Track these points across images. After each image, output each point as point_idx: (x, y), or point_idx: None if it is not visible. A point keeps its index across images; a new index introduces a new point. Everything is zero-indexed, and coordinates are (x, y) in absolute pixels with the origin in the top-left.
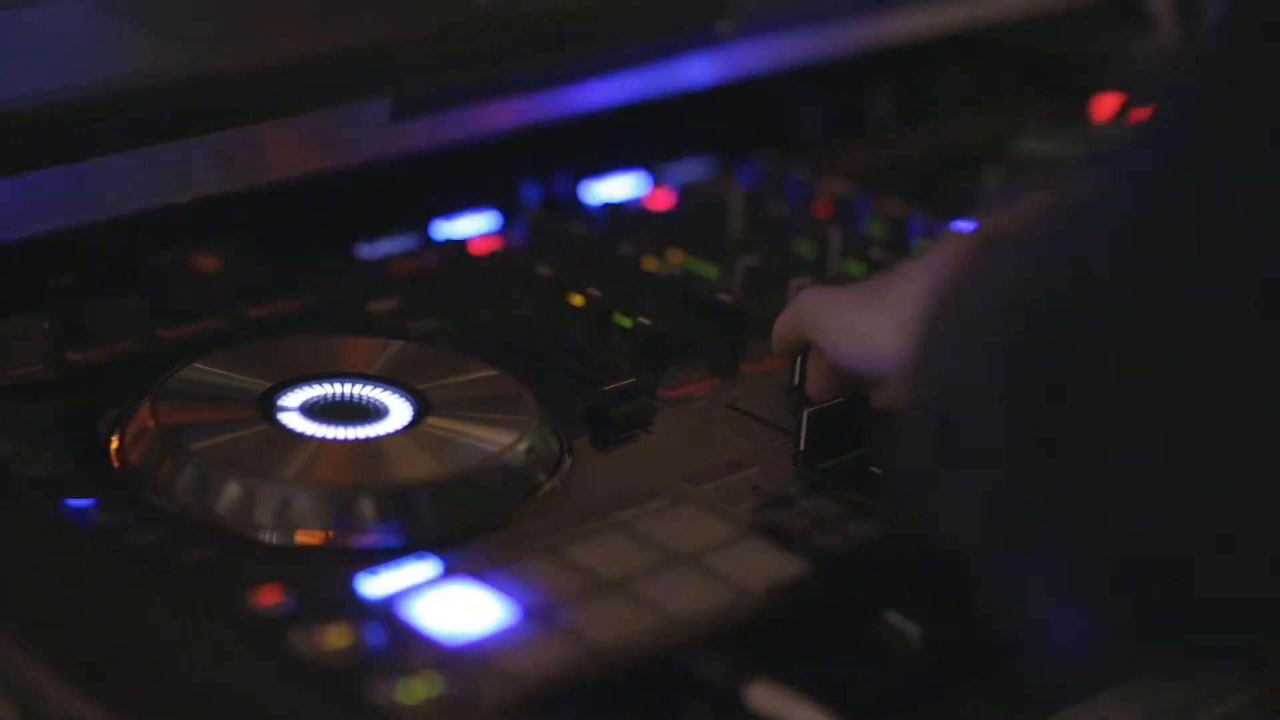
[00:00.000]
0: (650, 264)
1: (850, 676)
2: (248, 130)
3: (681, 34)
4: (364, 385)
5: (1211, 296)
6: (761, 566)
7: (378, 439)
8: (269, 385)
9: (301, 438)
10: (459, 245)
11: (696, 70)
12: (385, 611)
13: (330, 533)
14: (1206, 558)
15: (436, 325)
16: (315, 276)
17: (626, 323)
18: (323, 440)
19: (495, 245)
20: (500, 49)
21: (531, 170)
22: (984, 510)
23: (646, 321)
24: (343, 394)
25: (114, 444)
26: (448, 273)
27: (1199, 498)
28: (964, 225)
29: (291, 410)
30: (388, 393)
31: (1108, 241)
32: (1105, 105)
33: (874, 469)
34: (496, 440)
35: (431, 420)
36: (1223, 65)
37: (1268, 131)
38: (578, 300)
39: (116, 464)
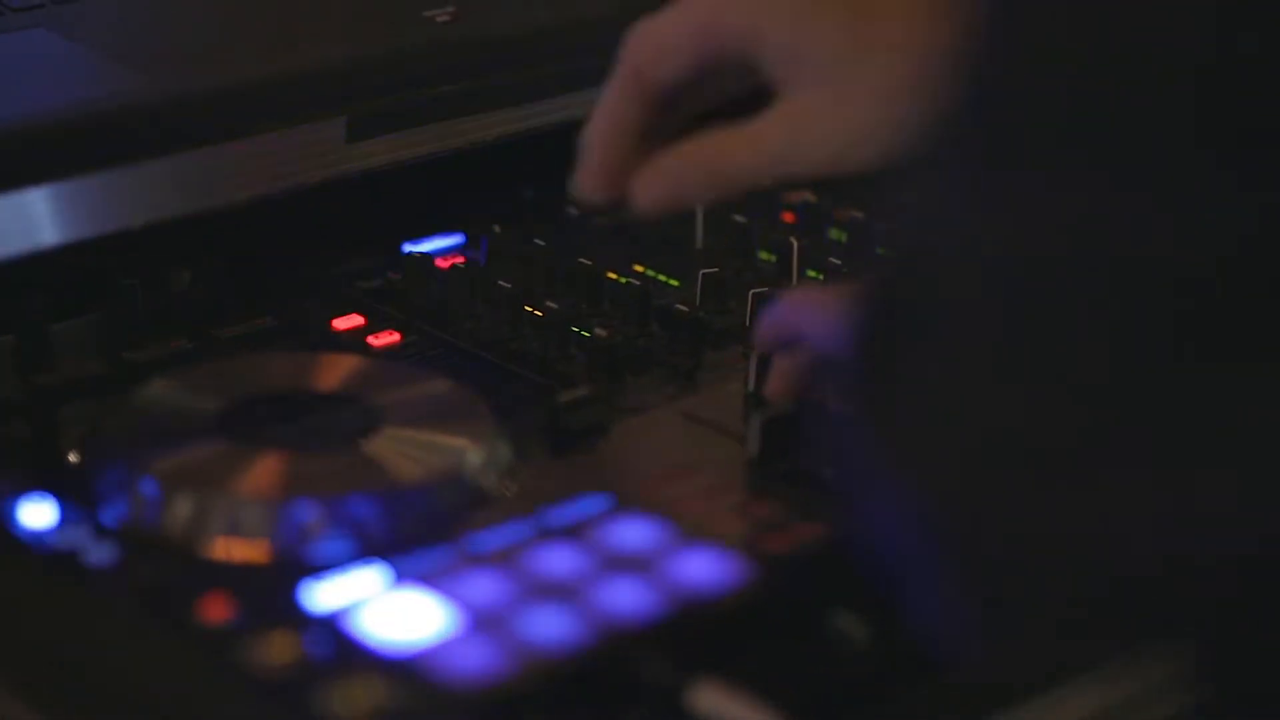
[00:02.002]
0: (611, 275)
1: (798, 678)
2: (211, 151)
3: None
4: (321, 400)
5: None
6: (710, 570)
7: (333, 453)
8: (227, 403)
9: (257, 454)
10: (423, 261)
11: None
12: (333, 622)
13: (282, 546)
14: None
15: (398, 340)
16: (280, 296)
17: (585, 334)
18: (277, 456)
19: (459, 260)
20: (460, 67)
21: (496, 186)
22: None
23: (603, 332)
24: (299, 410)
25: (74, 463)
26: (412, 288)
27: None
28: None
29: (248, 427)
30: (344, 407)
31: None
32: None
33: (824, 473)
34: (449, 451)
35: (386, 432)
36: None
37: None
38: (537, 312)
39: (76, 482)
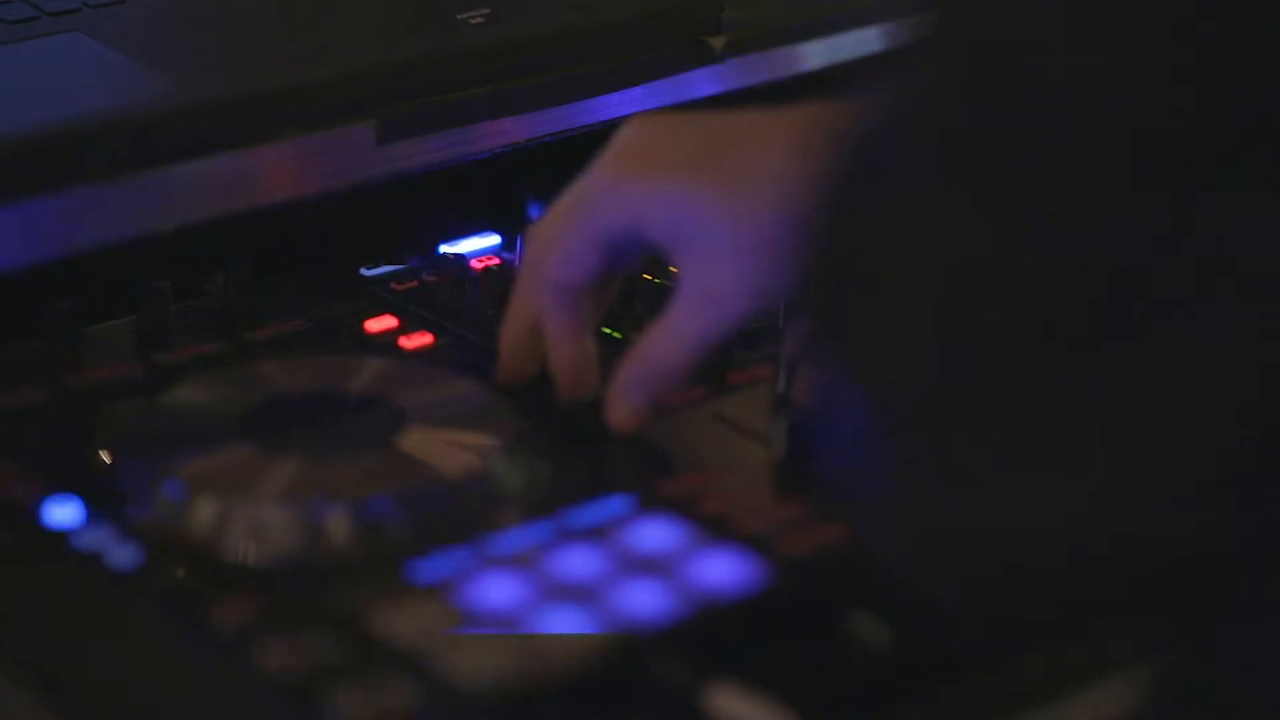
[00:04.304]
0: (645, 276)
1: (816, 680)
2: (244, 154)
3: (673, 50)
4: (349, 403)
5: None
6: (729, 572)
7: (358, 455)
8: (254, 405)
9: (281, 457)
10: (458, 262)
11: (689, 86)
12: (352, 624)
13: (304, 548)
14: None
15: (430, 342)
16: (313, 298)
17: (617, 335)
18: (301, 458)
19: (493, 263)
20: (493, 70)
21: (531, 189)
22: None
23: (635, 334)
24: (326, 412)
25: (103, 465)
26: (446, 291)
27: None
28: None
29: (274, 430)
30: (371, 409)
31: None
32: None
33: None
34: (473, 452)
35: (411, 434)
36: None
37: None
38: None
39: (105, 484)
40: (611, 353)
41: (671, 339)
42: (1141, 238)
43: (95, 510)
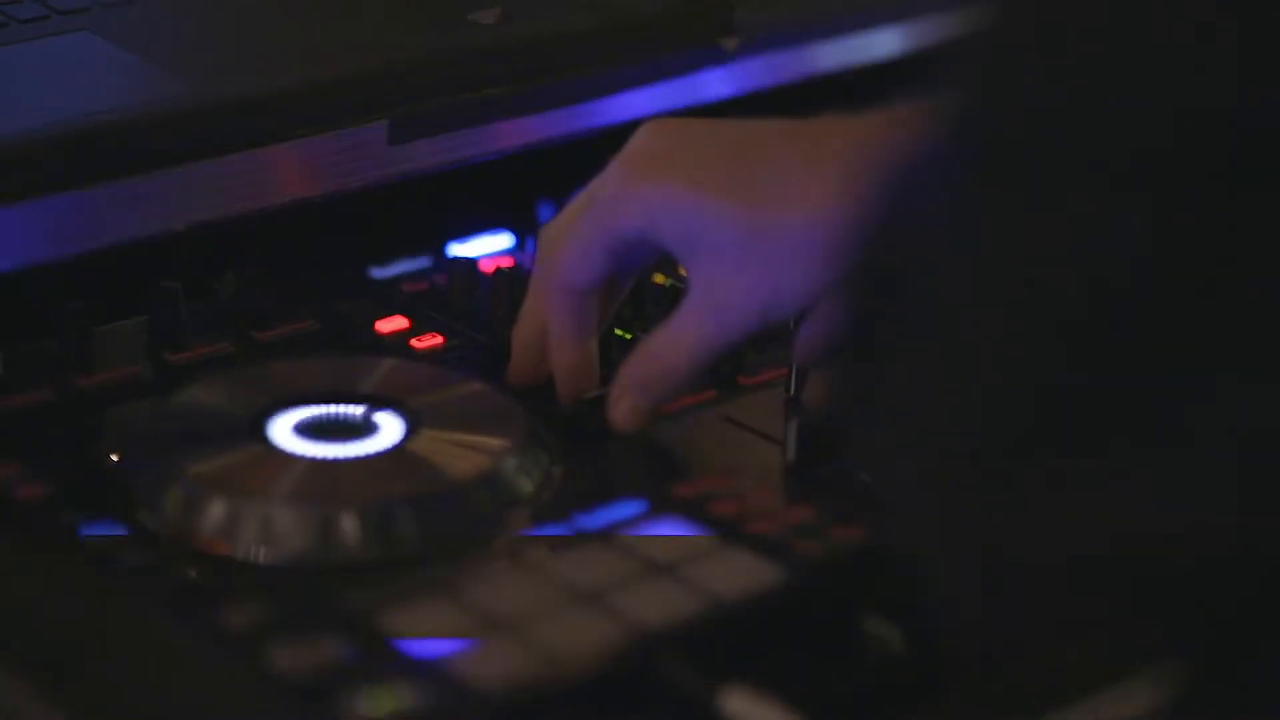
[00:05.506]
0: (657, 278)
1: (829, 684)
2: (254, 154)
3: (686, 51)
4: (357, 404)
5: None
6: (741, 575)
7: (366, 457)
8: (264, 406)
9: (290, 458)
10: (467, 264)
11: (702, 87)
12: (362, 625)
13: (314, 549)
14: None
15: (441, 343)
16: (324, 299)
17: (629, 337)
18: (311, 460)
19: (504, 263)
20: (505, 70)
21: (543, 189)
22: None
23: (644, 335)
24: (335, 414)
25: (113, 466)
26: (457, 291)
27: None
28: None
29: (283, 431)
30: (380, 411)
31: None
32: None
33: (863, 478)
34: (483, 455)
35: (421, 437)
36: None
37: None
38: None
39: (115, 485)
40: (622, 354)
41: (675, 343)
42: (1145, 242)
43: (105, 510)
